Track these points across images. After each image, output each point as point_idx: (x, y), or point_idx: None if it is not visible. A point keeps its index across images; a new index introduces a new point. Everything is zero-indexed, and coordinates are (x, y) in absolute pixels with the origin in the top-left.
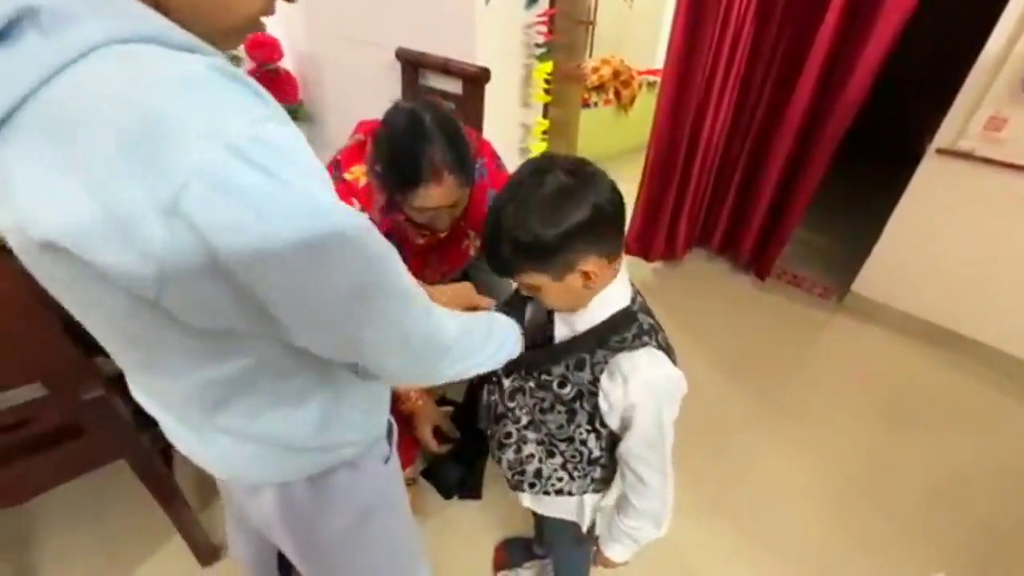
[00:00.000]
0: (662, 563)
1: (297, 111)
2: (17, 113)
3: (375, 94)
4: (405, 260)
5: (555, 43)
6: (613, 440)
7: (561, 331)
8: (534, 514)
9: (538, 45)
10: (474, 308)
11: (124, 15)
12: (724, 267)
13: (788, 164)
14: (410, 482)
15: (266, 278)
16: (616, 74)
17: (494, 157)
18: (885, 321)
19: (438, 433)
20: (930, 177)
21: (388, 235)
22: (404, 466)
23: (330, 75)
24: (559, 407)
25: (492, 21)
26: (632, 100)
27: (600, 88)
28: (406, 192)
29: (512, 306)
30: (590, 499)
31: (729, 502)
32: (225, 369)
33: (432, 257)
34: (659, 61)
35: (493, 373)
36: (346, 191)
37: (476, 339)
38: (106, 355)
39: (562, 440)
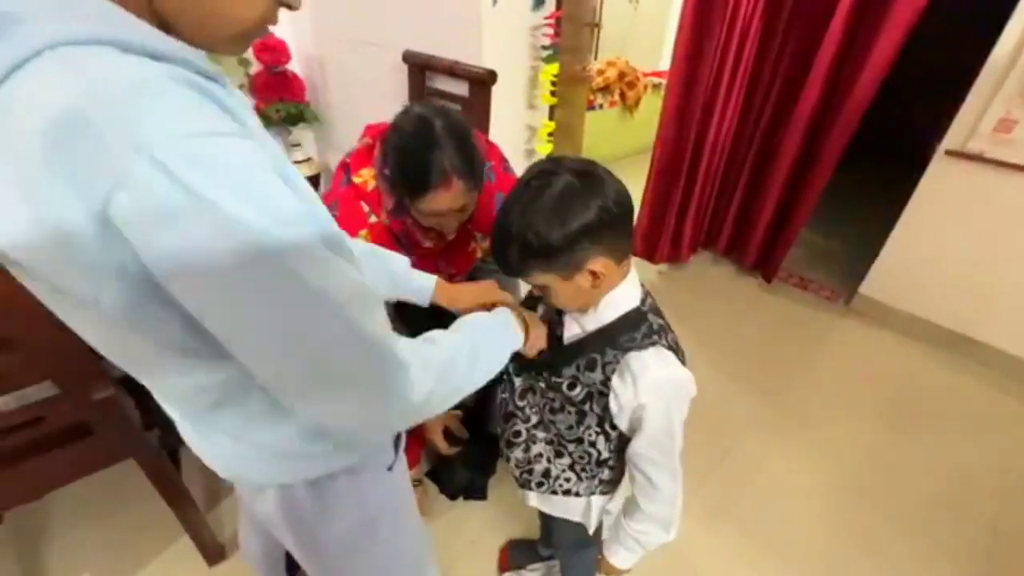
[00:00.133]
0: (665, 565)
1: (304, 113)
2: None
3: (382, 96)
4: (413, 263)
5: (561, 45)
6: (622, 442)
7: (571, 332)
8: (540, 515)
9: (544, 47)
10: (494, 305)
11: (82, 17)
12: (730, 269)
13: (795, 165)
14: (416, 483)
15: (193, 300)
16: (621, 76)
17: (502, 160)
18: (893, 324)
19: (447, 434)
20: (939, 179)
21: (397, 239)
22: (410, 467)
23: (337, 77)
24: (569, 408)
25: (499, 23)
26: (637, 102)
27: (605, 90)
28: (415, 197)
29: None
30: (597, 500)
31: (733, 504)
32: (208, 379)
33: (440, 260)
34: (664, 63)
35: (504, 371)
36: (354, 194)
37: (460, 370)
38: None
39: (571, 441)
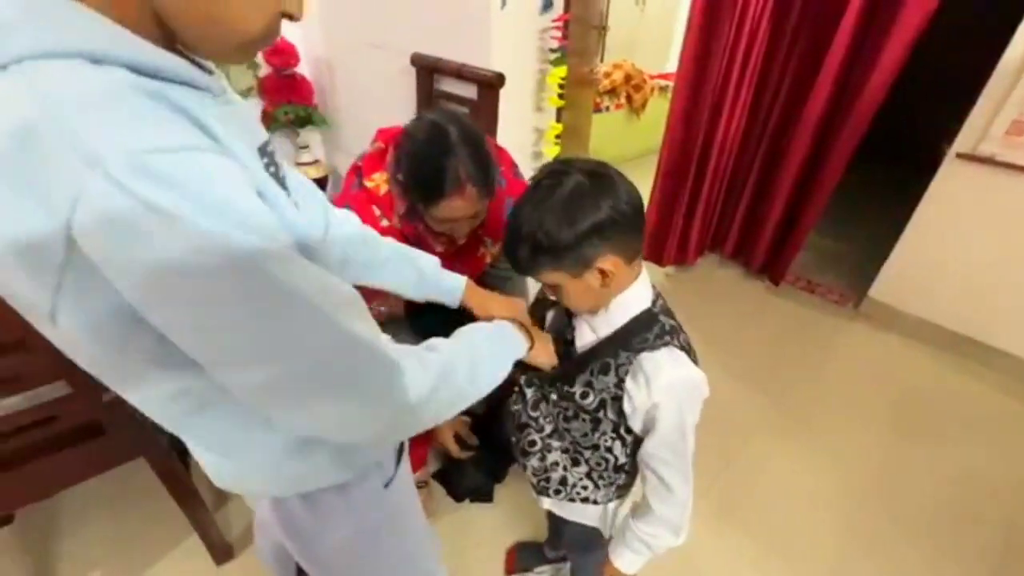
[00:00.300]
0: (670, 566)
1: (312, 115)
2: None
3: (390, 99)
4: None
5: (568, 48)
6: (638, 446)
7: (582, 332)
8: (549, 517)
9: (552, 50)
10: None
11: (55, 29)
12: (737, 272)
13: (803, 167)
14: (422, 484)
15: (162, 316)
16: (628, 78)
17: (511, 165)
18: (902, 327)
19: (458, 438)
20: (950, 181)
21: (408, 242)
22: (415, 468)
23: (346, 80)
24: (583, 416)
25: (507, 26)
26: (644, 104)
27: (612, 92)
28: (429, 203)
29: (534, 312)
30: (613, 506)
31: (739, 506)
32: (177, 392)
33: (449, 264)
34: (671, 65)
35: (515, 383)
36: (366, 198)
37: (458, 381)
38: None
39: (587, 448)
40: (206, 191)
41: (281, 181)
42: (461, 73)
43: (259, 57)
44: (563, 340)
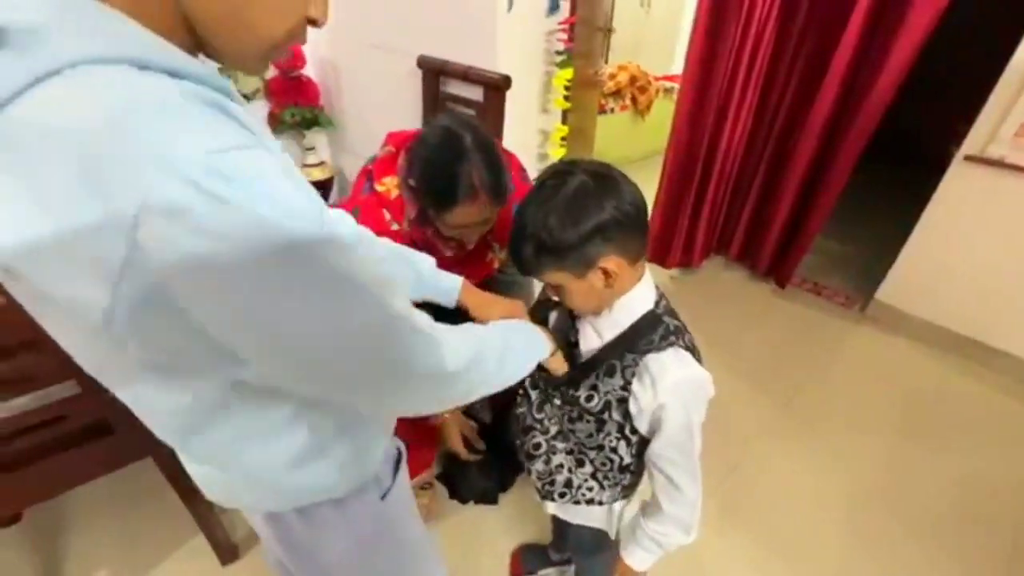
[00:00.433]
0: (675, 568)
1: (319, 117)
2: None
3: (396, 101)
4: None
5: (574, 50)
6: (643, 446)
7: (587, 335)
8: (554, 520)
9: (558, 52)
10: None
11: (100, 34)
12: (743, 274)
13: (810, 169)
14: (427, 486)
15: (242, 323)
16: (633, 80)
17: (520, 170)
18: (909, 331)
19: (468, 443)
20: (958, 184)
21: (417, 246)
22: (421, 470)
23: (352, 82)
24: (587, 417)
25: (513, 29)
26: (649, 106)
27: (617, 94)
28: (441, 210)
29: (536, 313)
30: (618, 506)
31: (744, 508)
32: (192, 399)
33: (457, 269)
34: (676, 67)
35: (520, 385)
36: (377, 202)
37: (488, 367)
38: None
39: (592, 448)
40: (268, 185)
41: None
42: (467, 75)
43: None
44: (566, 342)
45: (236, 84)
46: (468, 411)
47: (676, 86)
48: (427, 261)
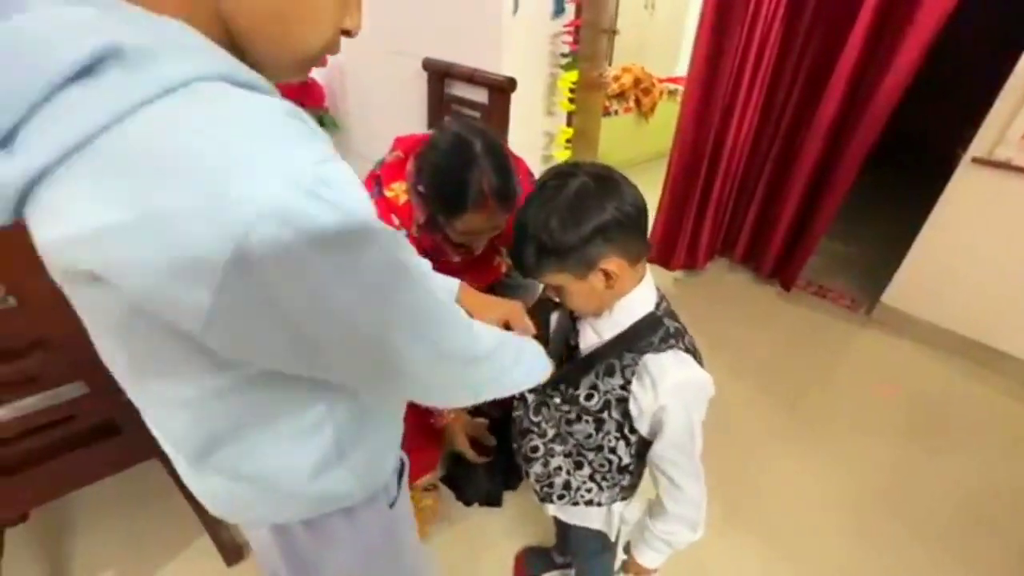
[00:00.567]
0: (679, 569)
1: (324, 119)
2: (90, 145)
3: (401, 103)
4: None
5: (578, 52)
6: (642, 446)
7: (586, 336)
8: (557, 522)
9: (563, 55)
10: (509, 328)
11: (200, 54)
12: (747, 277)
13: (815, 171)
14: (431, 488)
15: (325, 312)
16: (637, 82)
17: (528, 175)
18: (916, 334)
19: (475, 444)
20: (965, 186)
21: (426, 252)
22: (425, 472)
23: (357, 84)
24: (586, 417)
25: (519, 31)
26: (653, 108)
27: (621, 96)
28: (451, 216)
29: (537, 313)
30: (618, 507)
31: (750, 514)
32: (237, 402)
33: (465, 273)
34: (680, 69)
35: None
36: (386, 207)
37: (507, 360)
38: None
39: (590, 450)
40: (356, 190)
41: None
42: (473, 78)
43: None
44: (567, 343)
45: None
46: (476, 410)
47: (680, 88)
48: (423, 264)
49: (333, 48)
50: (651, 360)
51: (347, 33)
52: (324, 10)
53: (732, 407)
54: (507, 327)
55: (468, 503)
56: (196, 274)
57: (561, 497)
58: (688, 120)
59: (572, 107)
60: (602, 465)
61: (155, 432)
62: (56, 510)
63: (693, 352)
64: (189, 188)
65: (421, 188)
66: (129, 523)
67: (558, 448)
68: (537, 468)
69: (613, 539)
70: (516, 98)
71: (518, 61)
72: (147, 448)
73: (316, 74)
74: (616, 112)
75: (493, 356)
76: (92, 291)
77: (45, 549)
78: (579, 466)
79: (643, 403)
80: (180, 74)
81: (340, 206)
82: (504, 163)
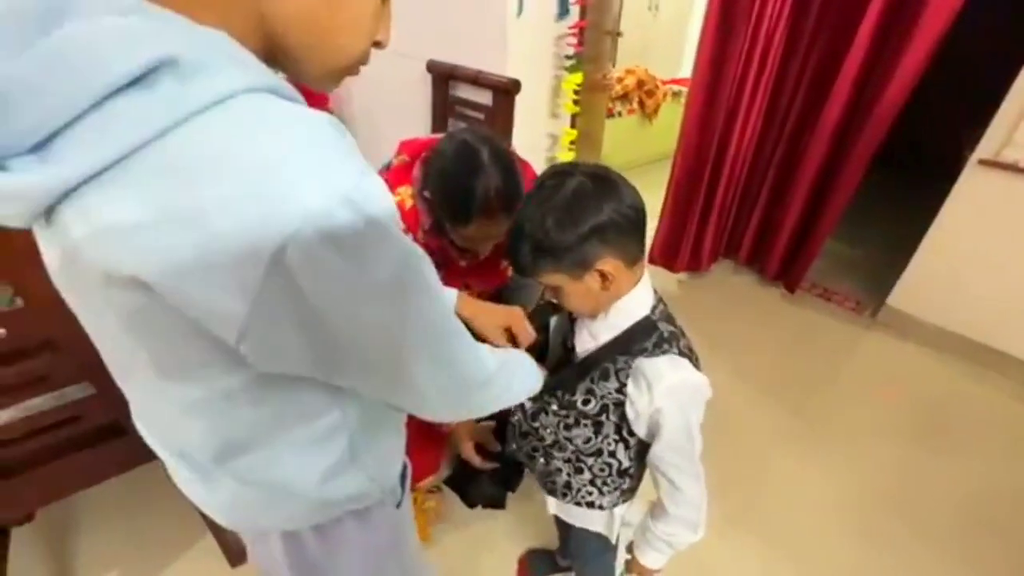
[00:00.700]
0: (682, 570)
1: None
2: (139, 152)
3: (405, 105)
4: (446, 280)
5: (582, 54)
6: (642, 447)
7: (582, 339)
8: (558, 523)
9: (568, 56)
10: (512, 333)
11: (244, 64)
12: (752, 279)
13: (820, 173)
14: (435, 490)
15: (351, 322)
16: (640, 84)
17: (535, 179)
18: (921, 336)
19: (480, 449)
20: (972, 188)
21: (431, 256)
22: (428, 473)
23: (361, 86)
24: (584, 421)
25: (523, 33)
26: (656, 109)
27: (624, 98)
28: (456, 223)
29: (538, 316)
30: (619, 510)
31: (754, 517)
32: (261, 410)
33: (471, 277)
34: (683, 71)
35: None
36: None
37: (507, 381)
38: None
39: (589, 455)
40: (390, 203)
41: None
42: (477, 80)
43: None
44: (563, 346)
45: None
46: None
47: (684, 89)
48: (447, 290)
49: (365, 59)
50: (646, 364)
51: (378, 45)
52: (362, 23)
53: (736, 408)
54: (509, 334)
55: (472, 505)
56: (235, 278)
57: (564, 495)
58: (692, 122)
59: (576, 109)
60: (602, 470)
61: (161, 442)
62: (61, 510)
63: (689, 355)
64: (234, 190)
65: (427, 194)
66: (133, 523)
67: (557, 454)
68: (539, 466)
69: (613, 541)
70: (520, 100)
71: (522, 63)
72: (152, 449)
73: None
74: (620, 114)
75: (496, 380)
76: (125, 294)
77: (50, 549)
78: (579, 471)
79: (639, 406)
80: (231, 85)
81: (377, 220)
82: (511, 170)
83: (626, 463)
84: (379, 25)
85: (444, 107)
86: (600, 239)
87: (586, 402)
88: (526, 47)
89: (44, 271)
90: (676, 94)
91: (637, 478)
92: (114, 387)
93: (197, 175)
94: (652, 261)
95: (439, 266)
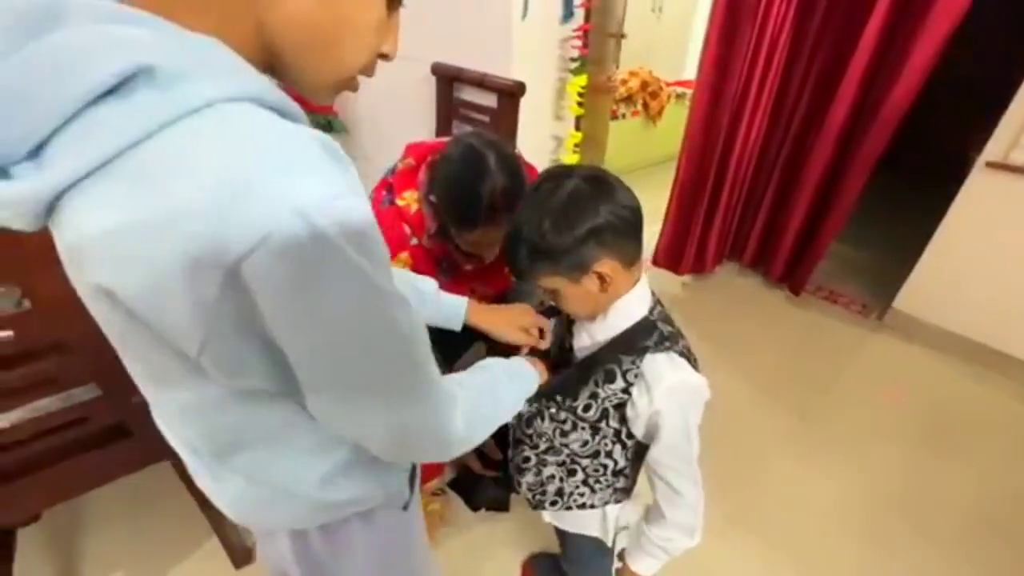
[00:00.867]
0: (684, 572)
1: (333, 123)
2: (115, 161)
3: (410, 107)
4: (451, 285)
5: (587, 57)
6: (639, 448)
7: (580, 338)
8: (556, 528)
9: (572, 59)
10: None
11: (231, 74)
12: (756, 281)
13: (826, 175)
14: (439, 492)
15: (302, 345)
16: (644, 85)
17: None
18: (927, 339)
19: (482, 456)
20: (978, 191)
21: (437, 260)
22: (433, 476)
23: (366, 88)
24: (582, 425)
25: (528, 36)
26: (660, 111)
27: (628, 100)
28: (461, 228)
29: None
30: (612, 511)
31: (757, 518)
32: (244, 417)
33: (476, 281)
34: (687, 73)
35: None
36: (396, 215)
37: (485, 413)
38: None
39: (585, 457)
40: (368, 234)
41: None
42: (482, 82)
43: None
44: (562, 348)
45: None
46: None
47: (687, 91)
48: (430, 284)
49: (369, 71)
50: (648, 363)
51: (384, 56)
52: (364, 34)
53: (740, 410)
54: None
55: (476, 508)
56: (193, 292)
57: (553, 503)
58: (697, 124)
59: (581, 111)
60: (596, 470)
61: (171, 435)
62: (67, 511)
63: (688, 356)
64: (194, 203)
65: (433, 198)
66: (139, 524)
67: (551, 459)
68: (529, 478)
69: (609, 545)
70: (525, 103)
71: (527, 66)
72: (158, 450)
73: None
74: (624, 116)
75: (465, 432)
76: (103, 302)
77: (56, 549)
78: (572, 473)
79: (639, 406)
80: (208, 94)
81: (337, 245)
82: (516, 175)
83: (622, 463)
84: (383, 37)
85: (449, 109)
86: (597, 241)
87: (587, 408)
88: (531, 50)
89: (52, 273)
90: (680, 96)
91: (632, 479)
92: (121, 389)
93: (161, 186)
94: (656, 263)
95: (445, 270)
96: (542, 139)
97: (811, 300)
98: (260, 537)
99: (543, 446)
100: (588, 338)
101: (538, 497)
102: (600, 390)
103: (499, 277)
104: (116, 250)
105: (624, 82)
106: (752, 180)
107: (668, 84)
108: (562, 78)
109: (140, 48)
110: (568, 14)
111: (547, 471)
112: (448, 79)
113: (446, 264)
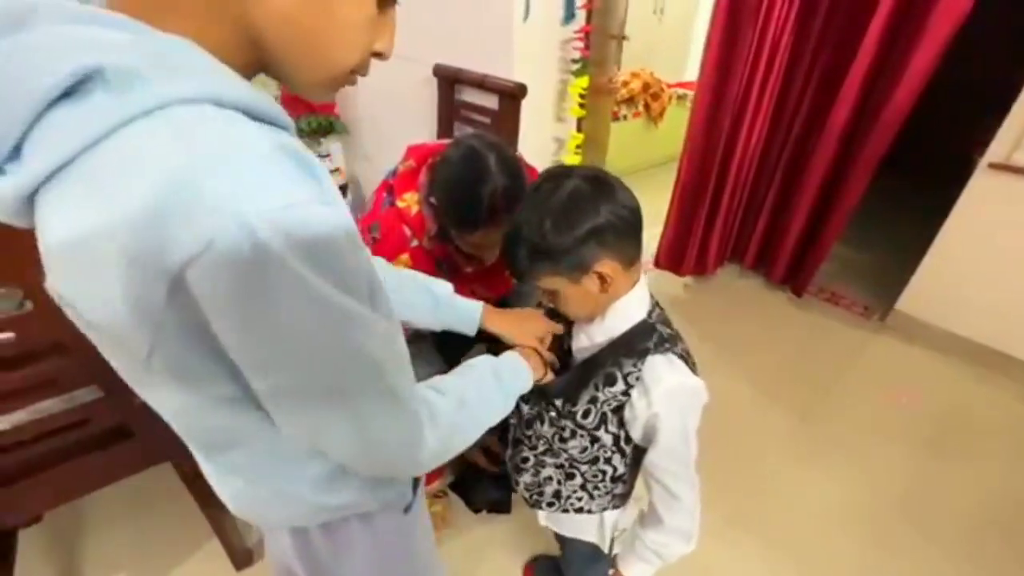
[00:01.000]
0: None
1: (334, 124)
2: (74, 163)
3: (411, 108)
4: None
5: (588, 58)
6: (638, 454)
7: (579, 343)
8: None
9: (574, 61)
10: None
11: (186, 73)
12: (758, 283)
13: (828, 176)
14: (440, 494)
15: (250, 358)
16: (646, 87)
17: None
18: (930, 341)
19: (489, 453)
20: (981, 192)
21: (438, 262)
22: (434, 478)
23: (367, 89)
24: (581, 432)
25: (529, 37)
26: (662, 113)
27: (629, 101)
28: (462, 231)
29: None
30: (609, 517)
31: (759, 520)
32: (222, 422)
33: (477, 284)
34: (688, 74)
35: None
36: (397, 217)
37: (464, 422)
38: None
39: (584, 463)
40: (328, 246)
41: None
42: (483, 84)
43: None
44: (561, 349)
45: None
46: None
47: (689, 93)
48: (444, 287)
49: (363, 70)
50: (647, 364)
51: (379, 55)
52: (354, 33)
53: (742, 412)
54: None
55: (477, 510)
56: (140, 299)
57: (551, 504)
58: (698, 125)
59: (582, 113)
60: (595, 476)
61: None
62: (68, 512)
63: (686, 359)
64: (140, 208)
65: (433, 200)
66: (139, 525)
67: (549, 460)
68: (527, 478)
69: (605, 550)
70: (526, 104)
71: (528, 67)
72: (159, 451)
73: None
74: (625, 117)
75: (440, 450)
76: (68, 309)
77: (57, 551)
78: (570, 477)
79: (638, 408)
80: (162, 96)
81: (281, 259)
82: (518, 177)
83: (621, 470)
84: (375, 35)
85: (450, 111)
86: (598, 241)
87: (586, 414)
88: (532, 51)
89: None
90: (681, 97)
91: (630, 484)
92: (122, 390)
93: (111, 189)
94: (658, 264)
95: (445, 272)
96: (543, 141)
97: (813, 302)
98: (265, 532)
99: (542, 448)
100: (587, 339)
101: (535, 497)
102: (600, 393)
103: (499, 279)
104: (70, 260)
105: (625, 84)
106: (754, 182)
107: (669, 86)
108: (563, 80)
109: (94, 50)
110: (569, 15)
111: (545, 472)
112: (449, 80)
113: (446, 266)
